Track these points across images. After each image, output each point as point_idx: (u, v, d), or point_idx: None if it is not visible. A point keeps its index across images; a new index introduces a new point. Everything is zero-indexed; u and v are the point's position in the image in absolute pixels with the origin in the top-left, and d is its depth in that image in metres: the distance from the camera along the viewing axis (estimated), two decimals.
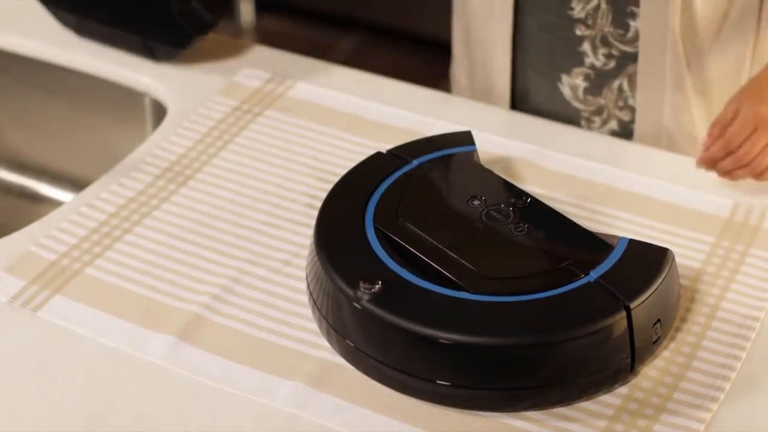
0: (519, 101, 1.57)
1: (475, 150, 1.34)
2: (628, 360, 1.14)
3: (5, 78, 1.71)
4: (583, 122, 1.54)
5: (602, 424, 1.13)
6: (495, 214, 1.24)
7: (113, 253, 1.32)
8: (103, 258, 1.31)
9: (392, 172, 1.30)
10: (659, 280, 1.16)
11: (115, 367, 1.19)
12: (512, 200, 1.26)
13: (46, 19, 1.67)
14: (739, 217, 1.36)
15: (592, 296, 1.14)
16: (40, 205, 1.74)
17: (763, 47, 1.47)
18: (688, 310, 1.25)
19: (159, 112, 1.59)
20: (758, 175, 1.34)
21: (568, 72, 1.50)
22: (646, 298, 1.14)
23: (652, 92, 1.46)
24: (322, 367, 1.19)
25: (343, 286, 1.16)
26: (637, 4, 1.41)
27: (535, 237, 1.22)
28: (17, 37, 1.68)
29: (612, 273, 1.16)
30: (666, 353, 1.20)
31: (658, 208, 1.37)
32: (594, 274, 1.16)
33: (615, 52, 1.46)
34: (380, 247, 1.20)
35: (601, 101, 1.50)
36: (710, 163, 1.34)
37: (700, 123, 1.49)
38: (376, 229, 1.22)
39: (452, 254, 1.19)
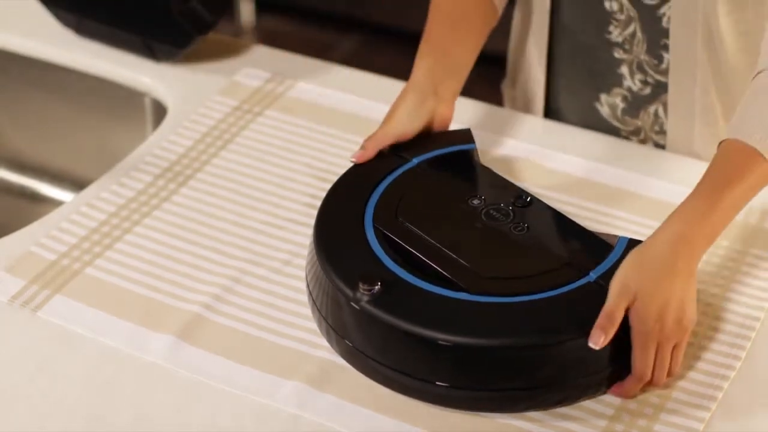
0: (555, 118, 1.57)
1: (475, 148, 1.34)
2: (629, 360, 1.14)
3: (5, 78, 1.71)
4: None
5: (602, 423, 1.13)
6: (494, 213, 1.24)
7: (113, 253, 1.32)
8: (103, 258, 1.31)
9: (392, 171, 1.30)
10: None
11: (115, 367, 1.19)
12: (512, 199, 1.26)
13: (46, 18, 1.67)
14: (739, 217, 1.36)
15: (592, 296, 1.14)
16: (40, 204, 1.74)
17: None
18: None
19: (159, 111, 1.59)
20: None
21: (607, 91, 1.50)
22: None
23: (683, 122, 1.46)
24: (322, 367, 1.19)
25: (343, 286, 1.16)
26: (669, 35, 1.41)
27: (534, 237, 1.22)
28: (17, 36, 1.68)
29: (612, 273, 1.15)
30: None
31: (657, 207, 1.37)
32: (594, 275, 1.16)
33: (650, 80, 1.46)
34: (380, 247, 1.20)
35: (639, 123, 1.50)
36: (631, 397, 1.16)
37: None
38: (376, 229, 1.22)
39: (451, 254, 1.19)
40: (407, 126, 1.33)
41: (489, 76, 1.87)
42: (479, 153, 1.36)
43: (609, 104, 1.51)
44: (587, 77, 1.51)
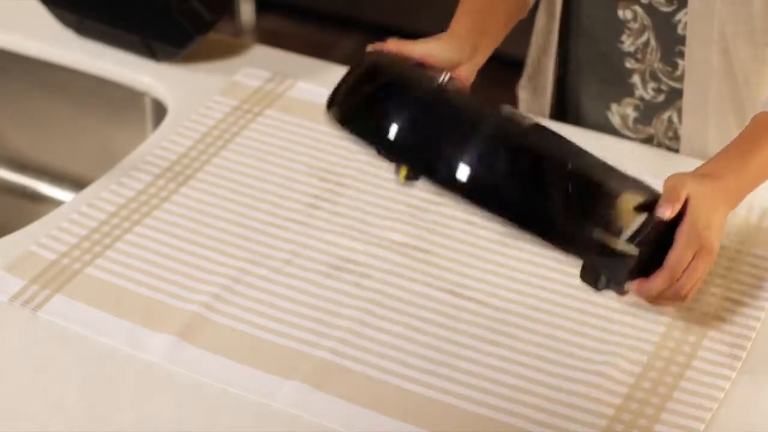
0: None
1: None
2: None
3: (5, 78, 1.71)
4: None
5: (602, 423, 1.13)
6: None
7: (113, 252, 1.32)
8: (104, 257, 1.31)
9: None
10: None
11: (115, 367, 1.19)
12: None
13: (46, 18, 1.67)
14: (739, 217, 1.36)
15: None
16: (40, 204, 1.74)
17: None
18: (688, 309, 1.25)
19: (159, 111, 1.59)
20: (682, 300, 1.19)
21: (618, 101, 1.50)
22: None
23: (697, 127, 1.46)
24: (322, 367, 1.19)
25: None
26: (684, 42, 1.41)
27: None
28: (18, 36, 1.68)
29: None
30: (666, 353, 1.20)
31: None
32: None
33: (664, 87, 1.46)
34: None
35: (651, 130, 1.50)
36: (652, 298, 1.16)
37: None
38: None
39: None
40: (434, 52, 1.26)
41: (503, 79, 1.87)
42: None
43: (620, 114, 1.51)
44: (599, 86, 1.51)
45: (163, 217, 1.37)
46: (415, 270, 1.30)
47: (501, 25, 1.38)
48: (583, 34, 1.50)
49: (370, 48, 1.24)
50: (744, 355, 1.20)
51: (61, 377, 1.18)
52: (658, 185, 1.38)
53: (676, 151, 1.50)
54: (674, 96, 1.47)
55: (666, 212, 1.13)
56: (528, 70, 1.62)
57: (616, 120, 1.52)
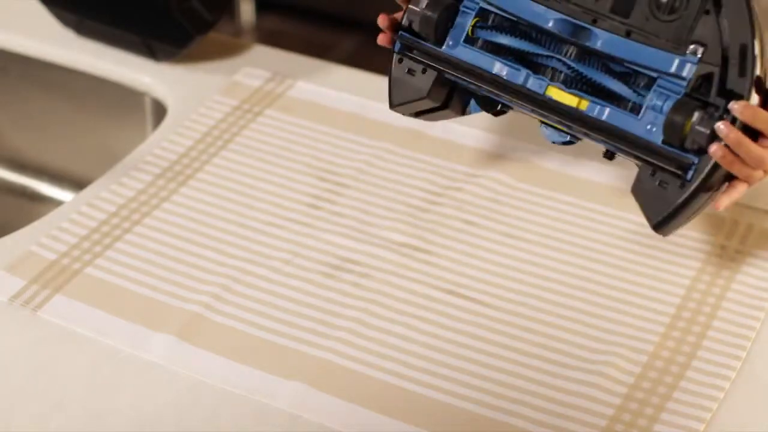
0: None
1: None
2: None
3: (5, 78, 1.71)
4: None
5: (602, 423, 1.13)
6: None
7: (114, 252, 1.32)
8: (104, 257, 1.31)
9: None
10: None
11: (115, 367, 1.19)
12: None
13: (46, 18, 1.67)
14: (739, 217, 1.36)
15: None
16: (40, 204, 1.74)
17: None
18: (688, 309, 1.25)
19: (159, 111, 1.59)
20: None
21: None
22: None
23: None
24: (322, 367, 1.19)
25: None
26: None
27: None
28: (17, 36, 1.68)
29: None
30: (666, 353, 1.20)
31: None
32: None
33: None
34: None
35: None
36: (750, 116, 1.10)
37: None
38: None
39: None
40: None
41: None
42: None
43: None
44: None
45: (163, 217, 1.37)
46: (415, 270, 1.30)
47: None
48: None
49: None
50: (744, 355, 1.20)
51: (61, 377, 1.18)
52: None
53: None
54: None
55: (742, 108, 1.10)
56: None
57: None
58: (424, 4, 1.26)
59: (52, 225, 1.35)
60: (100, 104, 1.66)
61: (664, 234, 1.17)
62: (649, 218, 1.16)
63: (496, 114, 1.29)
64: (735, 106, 1.10)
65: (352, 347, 1.21)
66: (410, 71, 1.29)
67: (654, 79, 1.16)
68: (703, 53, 1.13)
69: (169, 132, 1.50)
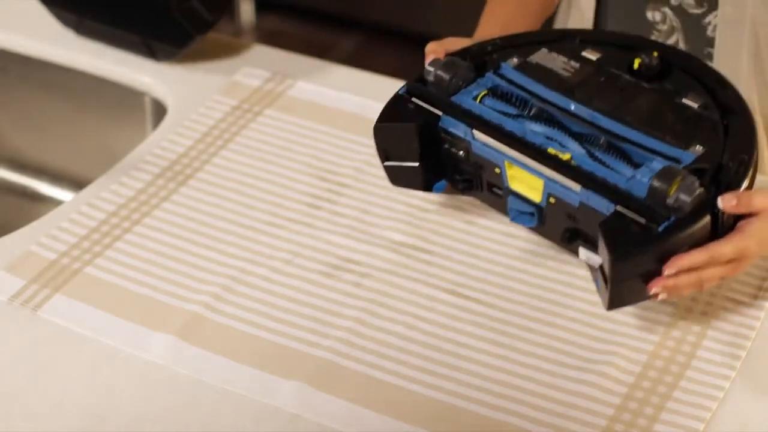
0: None
1: None
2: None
3: (5, 78, 1.71)
4: None
5: (602, 423, 1.13)
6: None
7: (113, 252, 1.32)
8: (104, 257, 1.31)
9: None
10: None
11: (115, 367, 1.19)
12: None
13: (46, 18, 1.67)
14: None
15: None
16: (40, 204, 1.74)
17: None
18: (688, 309, 1.25)
19: (159, 111, 1.59)
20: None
21: None
22: None
23: None
24: (322, 367, 1.19)
25: None
26: (713, 44, 1.41)
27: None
28: (17, 36, 1.68)
29: None
30: (666, 353, 1.20)
31: None
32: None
33: None
34: None
35: None
36: (681, 271, 1.14)
37: None
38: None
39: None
40: None
41: None
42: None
43: None
44: None
45: (163, 216, 1.37)
46: (415, 270, 1.30)
47: (538, 12, 1.43)
48: None
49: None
50: (744, 354, 1.20)
51: (61, 377, 1.18)
52: None
53: None
54: None
55: (729, 204, 1.12)
56: None
57: None
58: (439, 66, 1.27)
59: (51, 225, 1.35)
60: (100, 104, 1.66)
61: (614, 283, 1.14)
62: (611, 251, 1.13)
63: (463, 192, 1.29)
64: (725, 205, 1.12)
65: (352, 347, 1.21)
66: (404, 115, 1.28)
67: (649, 156, 1.18)
68: (703, 153, 1.17)
69: (168, 132, 1.50)
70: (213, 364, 1.19)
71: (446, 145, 1.25)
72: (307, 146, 1.48)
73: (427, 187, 1.29)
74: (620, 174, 1.16)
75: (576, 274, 1.29)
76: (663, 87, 1.24)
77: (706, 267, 1.13)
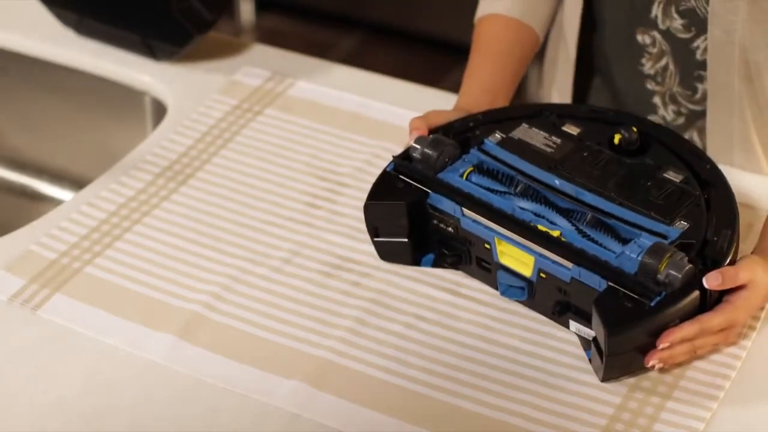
0: None
1: None
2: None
3: (5, 78, 1.71)
4: None
5: (602, 423, 1.13)
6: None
7: (113, 251, 1.32)
8: (103, 257, 1.31)
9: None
10: None
11: (115, 367, 1.19)
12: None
13: (46, 18, 1.67)
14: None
15: None
16: (40, 203, 1.74)
17: None
18: None
19: (159, 110, 1.59)
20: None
21: None
22: None
23: (721, 148, 1.45)
24: (322, 367, 1.19)
25: None
26: (703, 67, 1.41)
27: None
28: (17, 35, 1.68)
29: None
30: None
31: None
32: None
33: (684, 110, 1.46)
34: None
35: None
36: (677, 339, 1.16)
37: None
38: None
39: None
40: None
41: (431, 59, 1.84)
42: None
43: None
44: (620, 107, 1.51)
45: (163, 216, 1.37)
46: (415, 269, 1.30)
47: (514, 69, 1.46)
48: (599, 59, 1.50)
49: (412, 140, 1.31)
50: (744, 354, 1.20)
51: (61, 377, 1.18)
52: None
53: None
54: (694, 117, 1.46)
55: (713, 283, 1.15)
56: (532, 96, 1.62)
57: None
58: (425, 144, 1.28)
59: (51, 224, 1.35)
60: (100, 104, 1.66)
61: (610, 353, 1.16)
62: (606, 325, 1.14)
63: (451, 266, 1.30)
64: (711, 284, 1.15)
65: (351, 347, 1.21)
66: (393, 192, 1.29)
67: (636, 231, 1.21)
68: (688, 228, 1.20)
69: (169, 131, 1.50)
70: (213, 364, 1.19)
71: (435, 221, 1.28)
72: (307, 146, 1.48)
73: (416, 261, 1.30)
74: (609, 250, 1.19)
75: None
76: (644, 162, 1.27)
77: (698, 337, 1.16)
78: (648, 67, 1.46)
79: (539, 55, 1.54)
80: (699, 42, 1.40)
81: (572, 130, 1.31)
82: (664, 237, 1.19)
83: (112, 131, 1.68)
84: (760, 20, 1.34)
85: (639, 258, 1.16)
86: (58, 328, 1.23)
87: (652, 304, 1.14)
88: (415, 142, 1.29)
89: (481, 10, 1.48)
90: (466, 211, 1.25)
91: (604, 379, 1.16)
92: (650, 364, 1.15)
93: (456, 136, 1.31)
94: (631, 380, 1.17)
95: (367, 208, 1.29)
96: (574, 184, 1.25)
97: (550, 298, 1.22)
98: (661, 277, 1.15)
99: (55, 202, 1.71)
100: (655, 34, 1.43)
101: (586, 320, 1.19)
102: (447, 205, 1.26)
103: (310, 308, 1.25)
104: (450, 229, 1.27)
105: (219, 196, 1.40)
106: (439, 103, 1.47)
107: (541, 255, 1.20)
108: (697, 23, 1.39)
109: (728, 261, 1.18)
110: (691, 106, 1.46)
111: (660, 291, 1.14)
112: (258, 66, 1.61)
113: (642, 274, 1.16)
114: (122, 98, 1.63)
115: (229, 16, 3.27)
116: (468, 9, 1.59)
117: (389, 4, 3.18)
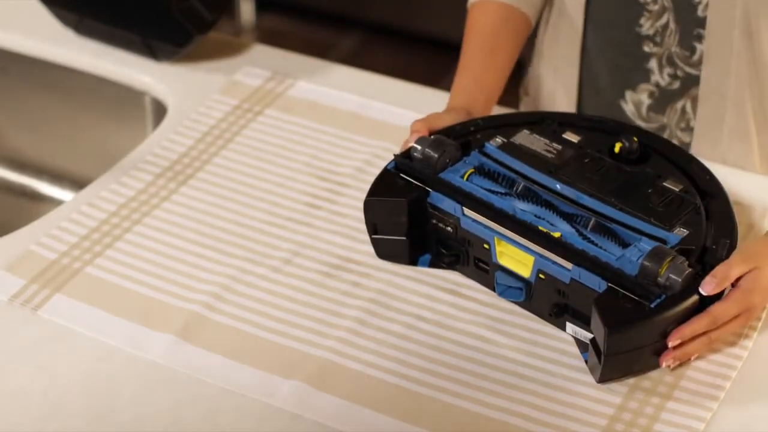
0: None
1: None
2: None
3: (5, 78, 1.71)
4: None
5: (602, 423, 1.13)
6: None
7: (113, 252, 1.32)
8: (104, 257, 1.31)
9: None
10: None
11: (115, 367, 1.19)
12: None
13: (46, 18, 1.67)
14: (739, 218, 1.35)
15: None
16: (40, 203, 1.74)
17: None
18: None
19: (159, 110, 1.59)
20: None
21: (633, 88, 1.50)
22: None
23: (712, 115, 1.45)
24: (322, 367, 1.19)
25: None
26: (703, 25, 1.41)
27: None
28: (17, 36, 1.68)
29: None
30: None
31: None
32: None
33: (680, 73, 1.46)
34: None
35: (664, 120, 1.50)
36: (687, 335, 1.16)
37: (758, 153, 1.47)
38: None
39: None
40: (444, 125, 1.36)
41: (431, 59, 1.84)
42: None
43: (634, 101, 1.51)
44: (614, 74, 1.51)
45: (163, 216, 1.37)
46: (414, 270, 1.30)
47: (506, 63, 1.47)
48: (599, 22, 1.49)
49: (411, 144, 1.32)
50: (745, 354, 1.20)
51: (61, 377, 1.18)
52: None
53: (689, 143, 1.49)
54: (689, 83, 1.46)
55: (708, 288, 1.16)
56: (531, 71, 1.61)
57: (629, 108, 1.51)
58: (427, 144, 1.29)
59: (52, 224, 1.35)
60: (100, 104, 1.66)
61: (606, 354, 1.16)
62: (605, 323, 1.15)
63: (448, 267, 1.30)
64: (707, 291, 1.16)
65: (352, 347, 1.21)
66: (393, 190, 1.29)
67: (636, 236, 1.21)
68: (687, 235, 1.21)
69: (169, 131, 1.50)
70: (213, 364, 1.19)
71: (434, 221, 1.28)
72: (307, 146, 1.48)
73: (413, 261, 1.31)
74: (609, 253, 1.19)
75: None
76: (644, 170, 1.28)
77: (711, 329, 1.16)
78: (647, 27, 1.45)
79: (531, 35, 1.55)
80: None
81: (573, 137, 1.32)
82: (664, 242, 1.20)
83: (112, 131, 1.68)
84: None
85: (639, 261, 1.16)
86: (59, 328, 1.23)
87: (652, 305, 1.14)
88: (417, 142, 1.29)
89: None
90: (466, 210, 1.25)
91: (600, 380, 1.16)
92: (665, 364, 1.16)
93: (457, 139, 1.31)
94: (632, 380, 1.17)
95: (368, 205, 1.29)
96: (575, 188, 1.25)
97: (547, 300, 1.22)
98: (661, 280, 1.15)
99: (55, 203, 1.71)
100: None
101: (583, 322, 1.19)
102: (447, 204, 1.26)
103: (310, 308, 1.25)
104: (449, 228, 1.27)
105: (219, 196, 1.40)
106: (439, 102, 1.47)
107: (541, 255, 1.20)
108: None
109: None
110: (688, 69, 1.45)
111: (660, 293, 1.15)
112: (258, 66, 1.61)
113: (642, 276, 1.16)
114: (122, 98, 1.63)
115: (229, 16, 3.28)
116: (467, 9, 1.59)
117: (389, 4, 3.18)
